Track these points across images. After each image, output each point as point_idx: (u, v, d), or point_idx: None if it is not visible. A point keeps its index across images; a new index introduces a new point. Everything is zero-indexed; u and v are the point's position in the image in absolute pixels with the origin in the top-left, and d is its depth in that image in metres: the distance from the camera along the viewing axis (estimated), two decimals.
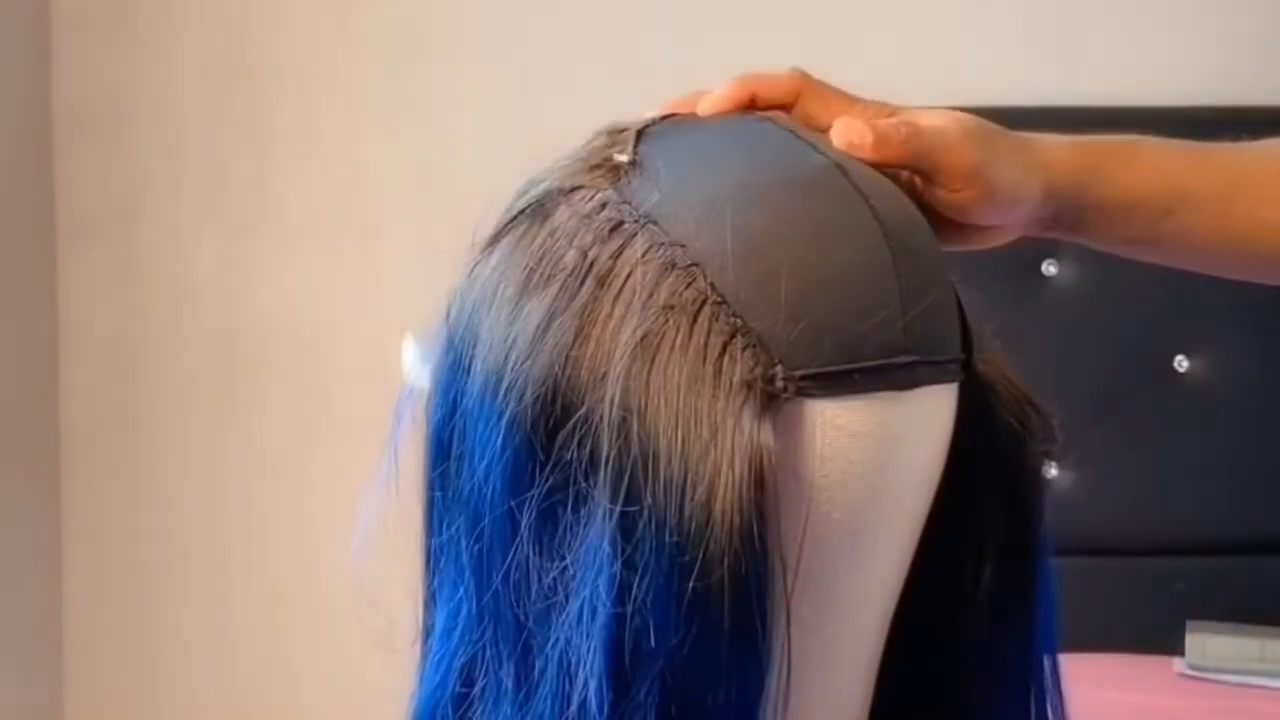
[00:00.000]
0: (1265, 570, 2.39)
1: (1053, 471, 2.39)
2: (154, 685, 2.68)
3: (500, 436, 0.77)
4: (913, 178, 0.87)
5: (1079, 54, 2.54)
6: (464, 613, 0.79)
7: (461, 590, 0.80)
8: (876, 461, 0.78)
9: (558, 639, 0.75)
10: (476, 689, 0.79)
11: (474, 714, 0.79)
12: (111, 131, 2.61)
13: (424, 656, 0.84)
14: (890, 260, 0.77)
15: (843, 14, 2.54)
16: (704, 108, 0.87)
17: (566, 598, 0.75)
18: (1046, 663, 0.86)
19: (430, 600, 0.84)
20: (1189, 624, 2.26)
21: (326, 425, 2.61)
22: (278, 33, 2.60)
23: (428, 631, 0.84)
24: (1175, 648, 2.24)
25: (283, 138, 2.61)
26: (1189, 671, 2.22)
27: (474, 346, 0.79)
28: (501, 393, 0.77)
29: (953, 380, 0.80)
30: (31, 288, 2.59)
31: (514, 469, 0.76)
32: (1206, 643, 2.24)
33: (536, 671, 0.76)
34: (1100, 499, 2.37)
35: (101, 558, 2.66)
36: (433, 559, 0.83)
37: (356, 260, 2.60)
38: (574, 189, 0.81)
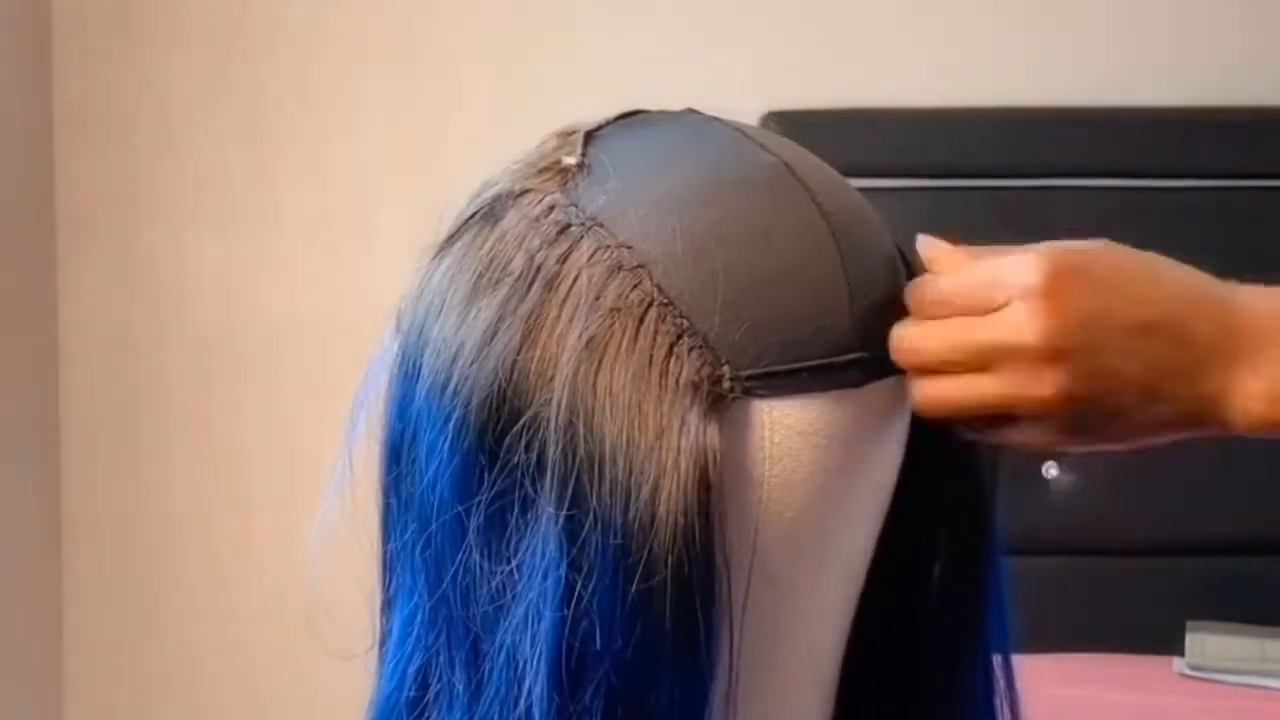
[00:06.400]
0: (1265, 570, 2.38)
1: (1053, 472, 2.38)
2: (154, 685, 2.68)
3: (448, 440, 0.76)
4: None
5: (1078, 55, 2.53)
6: (418, 618, 0.79)
7: (415, 596, 0.79)
8: (829, 460, 0.77)
9: (504, 642, 0.75)
10: (430, 693, 0.79)
11: (428, 718, 0.79)
12: (111, 131, 2.61)
13: (380, 661, 0.84)
14: (838, 258, 0.77)
15: (842, 13, 2.53)
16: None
17: (513, 601, 0.75)
18: (1000, 662, 0.86)
19: (387, 605, 0.84)
20: (1189, 624, 2.25)
21: (326, 426, 2.60)
22: (277, 33, 2.60)
23: (384, 636, 0.84)
24: (1175, 648, 2.22)
25: (283, 138, 2.60)
26: (1189, 671, 2.20)
27: (424, 351, 0.79)
28: (449, 397, 0.77)
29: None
30: (31, 288, 2.59)
31: (462, 473, 0.76)
32: (1206, 643, 2.23)
33: (484, 674, 0.76)
34: (1100, 499, 2.36)
35: (101, 558, 2.66)
36: (388, 564, 0.83)
37: (356, 260, 2.59)
38: (523, 192, 0.81)
